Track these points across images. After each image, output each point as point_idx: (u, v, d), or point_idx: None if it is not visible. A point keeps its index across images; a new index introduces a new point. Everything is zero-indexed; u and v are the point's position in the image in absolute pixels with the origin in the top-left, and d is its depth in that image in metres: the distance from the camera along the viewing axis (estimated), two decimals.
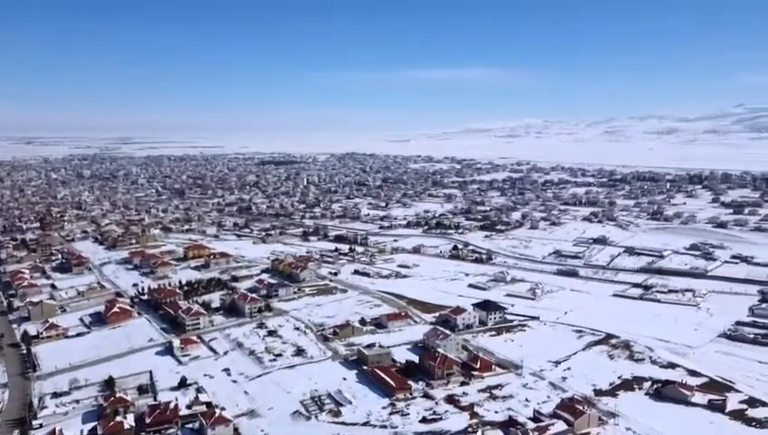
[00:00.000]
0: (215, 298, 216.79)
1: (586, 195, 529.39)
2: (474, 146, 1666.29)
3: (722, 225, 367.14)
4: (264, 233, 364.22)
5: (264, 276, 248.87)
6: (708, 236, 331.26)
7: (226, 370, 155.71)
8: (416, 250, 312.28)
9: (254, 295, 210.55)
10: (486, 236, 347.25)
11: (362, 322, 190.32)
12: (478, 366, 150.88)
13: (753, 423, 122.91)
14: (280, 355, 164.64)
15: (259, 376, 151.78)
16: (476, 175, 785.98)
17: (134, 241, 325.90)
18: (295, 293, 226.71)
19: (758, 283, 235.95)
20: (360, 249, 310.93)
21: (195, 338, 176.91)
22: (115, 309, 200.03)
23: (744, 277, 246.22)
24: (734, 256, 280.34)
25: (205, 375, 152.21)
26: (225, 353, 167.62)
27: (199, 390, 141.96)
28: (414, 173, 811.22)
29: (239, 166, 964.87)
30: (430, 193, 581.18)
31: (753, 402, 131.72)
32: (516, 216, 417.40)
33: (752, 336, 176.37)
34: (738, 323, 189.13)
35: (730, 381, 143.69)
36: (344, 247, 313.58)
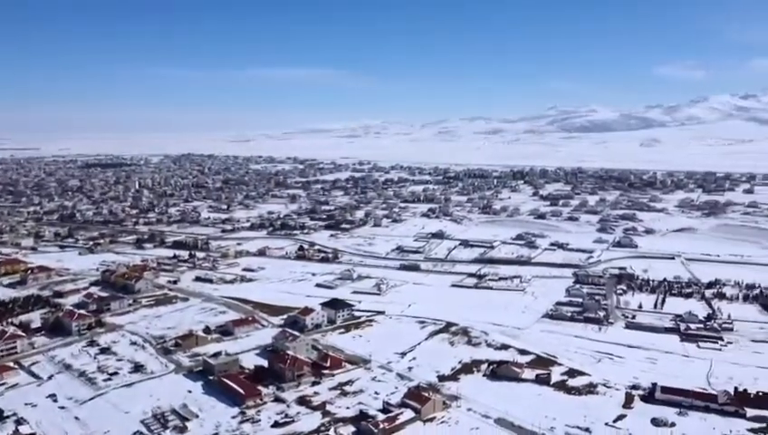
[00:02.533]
0: (35, 317, 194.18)
1: (424, 192, 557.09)
2: (316, 146, 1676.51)
3: (541, 216, 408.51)
4: (91, 242, 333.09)
5: (94, 289, 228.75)
6: (530, 226, 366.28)
7: (52, 395, 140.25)
8: (261, 253, 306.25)
9: (82, 311, 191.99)
10: (332, 236, 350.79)
11: (207, 330, 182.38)
12: (328, 364, 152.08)
13: (573, 392, 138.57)
14: (115, 374, 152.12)
15: (92, 398, 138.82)
16: (319, 175, 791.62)
17: None
18: (130, 305, 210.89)
19: (572, 266, 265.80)
20: (201, 255, 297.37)
21: (11, 364, 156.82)
22: None
23: (561, 262, 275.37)
24: (552, 244, 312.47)
25: (26, 404, 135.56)
26: (51, 378, 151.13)
27: (19, 421, 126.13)
28: (256, 174, 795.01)
29: (59, 169, 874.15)
30: (274, 194, 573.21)
31: (572, 373, 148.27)
32: (360, 214, 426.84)
33: (569, 314, 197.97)
34: (558, 303, 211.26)
35: (553, 357, 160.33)
36: (184, 254, 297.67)
